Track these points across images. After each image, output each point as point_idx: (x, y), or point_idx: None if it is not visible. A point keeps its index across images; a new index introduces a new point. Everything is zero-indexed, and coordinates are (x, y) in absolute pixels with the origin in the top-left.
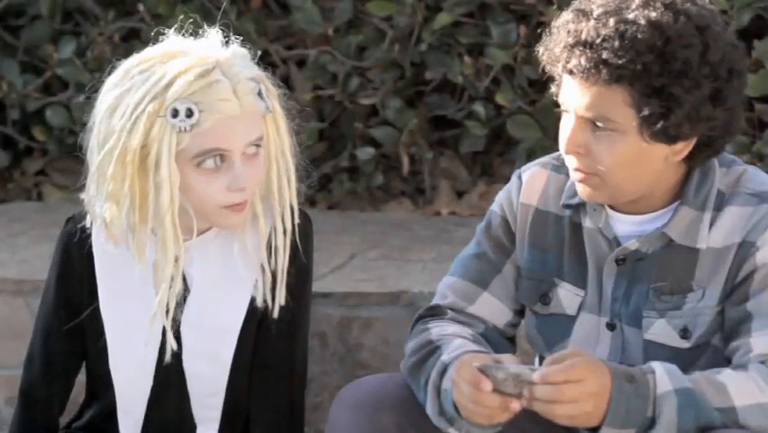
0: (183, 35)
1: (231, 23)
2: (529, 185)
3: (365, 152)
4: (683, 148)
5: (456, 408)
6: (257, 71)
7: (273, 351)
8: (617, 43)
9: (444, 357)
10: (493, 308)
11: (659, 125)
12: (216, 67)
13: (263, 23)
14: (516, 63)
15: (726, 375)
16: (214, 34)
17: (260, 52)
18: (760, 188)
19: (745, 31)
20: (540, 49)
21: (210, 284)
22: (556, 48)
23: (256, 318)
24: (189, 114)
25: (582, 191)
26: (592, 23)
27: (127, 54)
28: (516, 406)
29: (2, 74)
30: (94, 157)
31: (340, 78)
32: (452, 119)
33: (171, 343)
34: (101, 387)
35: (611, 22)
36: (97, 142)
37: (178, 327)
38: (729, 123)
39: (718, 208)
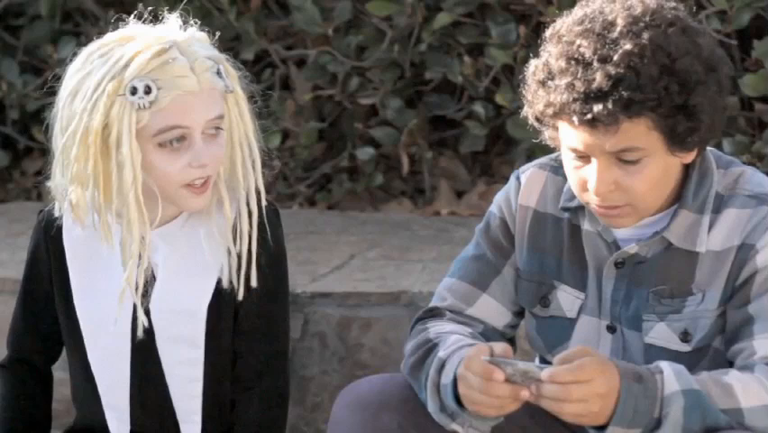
0: (144, 22)
1: (231, 22)
2: (527, 186)
3: (365, 152)
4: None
5: (458, 401)
6: (216, 52)
7: (252, 337)
8: (632, 79)
9: (441, 353)
10: (492, 309)
11: (690, 137)
12: (174, 46)
13: (263, 23)
14: (515, 63)
15: (732, 376)
16: (172, 19)
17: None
18: (758, 190)
19: (744, 31)
20: (533, 104)
21: (175, 269)
22: (558, 101)
23: (227, 303)
24: (148, 90)
25: (611, 222)
26: (596, 66)
27: None
28: (525, 394)
29: (2, 74)
30: (57, 142)
31: (340, 78)
32: (452, 119)
33: (142, 319)
34: (85, 391)
35: (615, 59)
36: (60, 126)
37: (149, 315)
38: (727, 107)
39: (717, 211)
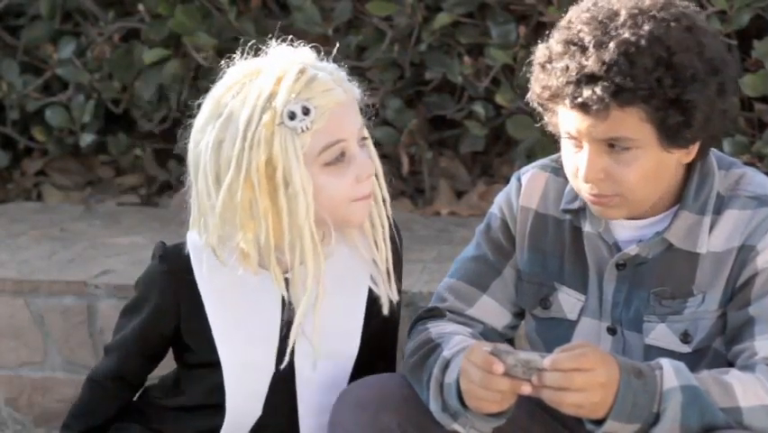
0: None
1: (231, 22)
2: (528, 188)
3: None
4: (694, 147)
5: (461, 401)
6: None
7: (383, 347)
8: (625, 67)
9: (446, 353)
10: (492, 310)
11: (680, 133)
12: (306, 65)
13: (263, 23)
14: (515, 63)
15: (732, 375)
16: (277, 45)
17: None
18: (760, 191)
19: (744, 31)
20: (534, 87)
21: (324, 310)
22: (554, 84)
23: (369, 331)
24: (306, 111)
25: (602, 213)
26: (591, 51)
27: (127, 54)
28: (526, 388)
29: (2, 74)
30: (205, 197)
31: None
32: (452, 119)
33: (314, 359)
34: (210, 407)
35: (611, 46)
36: (210, 181)
37: (292, 356)
38: (733, 112)
39: (718, 212)
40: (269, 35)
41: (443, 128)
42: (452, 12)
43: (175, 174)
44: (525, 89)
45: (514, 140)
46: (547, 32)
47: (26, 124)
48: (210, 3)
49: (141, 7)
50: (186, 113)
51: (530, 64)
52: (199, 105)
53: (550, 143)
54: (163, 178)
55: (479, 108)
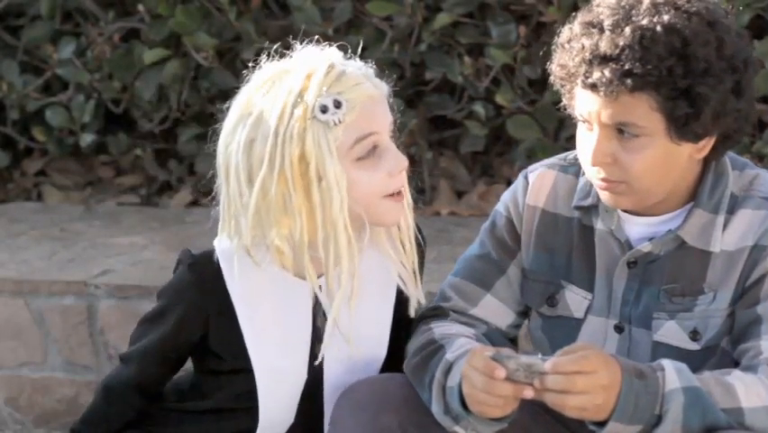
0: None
1: (231, 22)
2: (536, 186)
3: None
4: (707, 144)
5: (463, 404)
6: None
7: (399, 348)
8: (638, 52)
9: (449, 356)
10: (496, 310)
11: (689, 126)
12: (334, 62)
13: (263, 23)
14: (515, 63)
15: (734, 376)
16: (301, 48)
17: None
18: None
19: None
20: (552, 67)
21: (357, 312)
22: (570, 63)
23: (393, 333)
24: (338, 104)
25: (608, 199)
26: (607, 34)
27: (127, 54)
28: (529, 393)
29: (2, 74)
30: (235, 199)
31: None
32: (452, 119)
33: (350, 349)
34: (240, 410)
35: (627, 30)
36: (242, 182)
37: (321, 362)
38: (749, 113)
39: (731, 211)
40: (285, 39)
41: (443, 128)
42: (452, 12)
43: (175, 174)
44: (525, 89)
45: (514, 140)
46: (539, 42)
47: (26, 124)
48: (210, 3)
49: (141, 7)
50: (186, 113)
51: (530, 63)
52: (224, 114)
53: (550, 144)
54: (163, 178)
55: (479, 108)
